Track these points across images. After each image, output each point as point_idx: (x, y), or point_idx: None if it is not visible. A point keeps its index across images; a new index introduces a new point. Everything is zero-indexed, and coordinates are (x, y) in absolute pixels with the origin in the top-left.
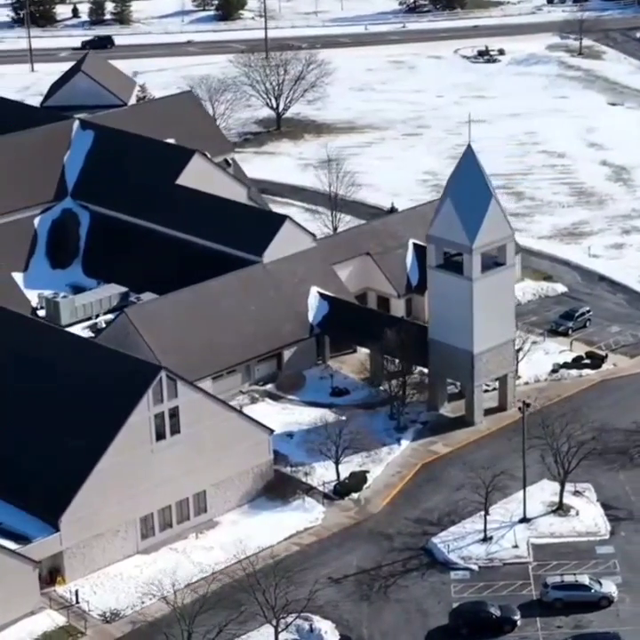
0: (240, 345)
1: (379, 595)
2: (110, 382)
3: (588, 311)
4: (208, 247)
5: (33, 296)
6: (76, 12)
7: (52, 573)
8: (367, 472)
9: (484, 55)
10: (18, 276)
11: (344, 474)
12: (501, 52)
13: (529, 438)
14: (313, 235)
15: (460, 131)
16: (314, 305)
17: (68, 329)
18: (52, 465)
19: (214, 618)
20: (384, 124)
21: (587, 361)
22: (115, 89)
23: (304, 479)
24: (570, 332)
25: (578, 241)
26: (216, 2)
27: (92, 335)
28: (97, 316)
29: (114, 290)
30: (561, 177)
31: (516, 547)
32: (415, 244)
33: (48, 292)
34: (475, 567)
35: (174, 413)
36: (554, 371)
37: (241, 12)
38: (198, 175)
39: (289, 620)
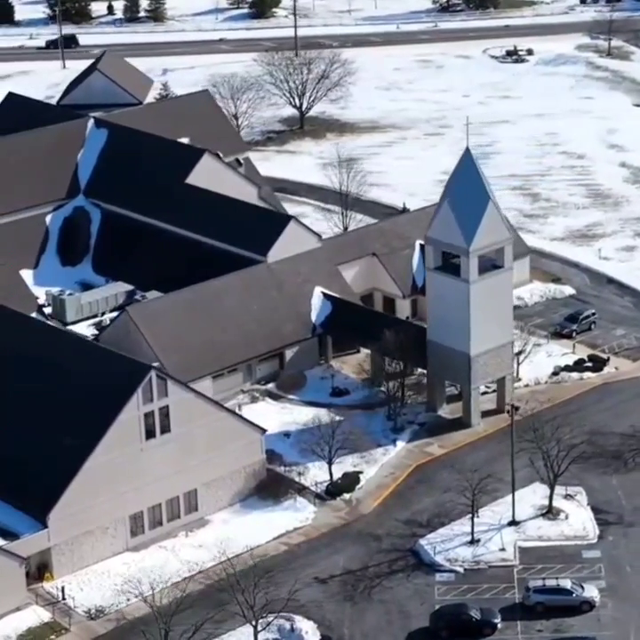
0: (241, 344)
1: (363, 595)
2: (101, 381)
3: (594, 314)
4: (214, 246)
5: (42, 293)
6: (111, 10)
7: (40, 569)
8: (360, 473)
9: (513, 55)
10: (28, 273)
11: (338, 474)
12: (530, 52)
13: (519, 441)
14: (318, 235)
15: (481, 131)
16: (317, 305)
17: (73, 326)
18: (42, 462)
19: (195, 617)
20: (407, 123)
21: (588, 364)
22: (130, 88)
23: (297, 479)
24: (574, 334)
25: (590, 243)
26: (250, 0)
27: (96, 333)
28: (103, 313)
29: (120, 288)
30: (578, 178)
31: (502, 549)
32: (422, 245)
33: (55, 290)
34: (460, 569)
35: (165, 412)
36: (554, 373)
37: (274, 10)
38: (208, 174)
39: (269, 619)
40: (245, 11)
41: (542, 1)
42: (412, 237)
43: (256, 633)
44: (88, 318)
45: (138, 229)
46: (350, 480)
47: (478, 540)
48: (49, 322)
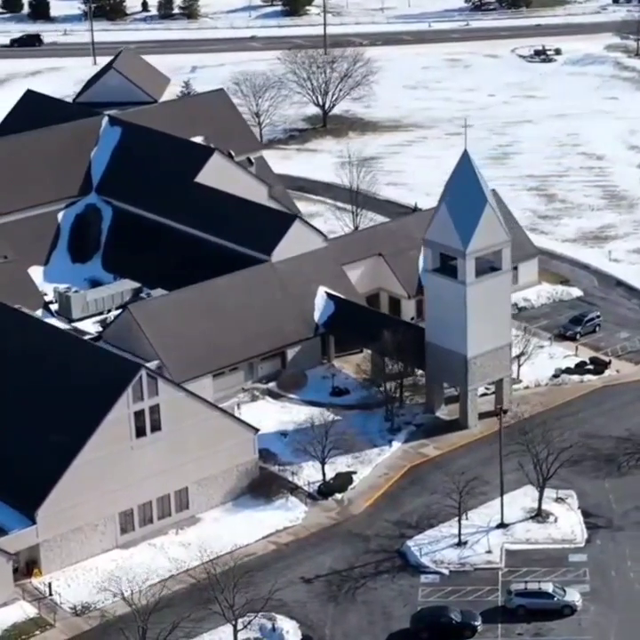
0: (242, 343)
1: (347, 596)
2: (92, 379)
3: (598, 316)
4: (220, 245)
5: (51, 290)
6: (145, 6)
7: (28, 565)
8: (354, 473)
9: (541, 55)
10: (38, 270)
11: (332, 474)
12: (558, 52)
13: (511, 444)
14: (324, 235)
15: (504, 131)
16: (320, 305)
17: (79, 323)
18: (32, 459)
19: (177, 616)
20: (429, 122)
21: (589, 366)
22: (146, 86)
23: (291, 478)
24: (578, 336)
25: (601, 245)
26: None
27: (101, 330)
28: (108, 310)
29: (127, 285)
30: (596, 179)
31: (489, 552)
32: None
33: (62, 287)
34: (445, 571)
35: (155, 411)
36: (555, 375)
37: (308, 7)
38: (218, 173)
39: (249, 619)
40: (279, 8)
41: (575, 0)
42: (419, 238)
43: (235, 632)
44: (93, 315)
45: (147, 227)
46: (343, 480)
47: (465, 542)
48: (54, 318)
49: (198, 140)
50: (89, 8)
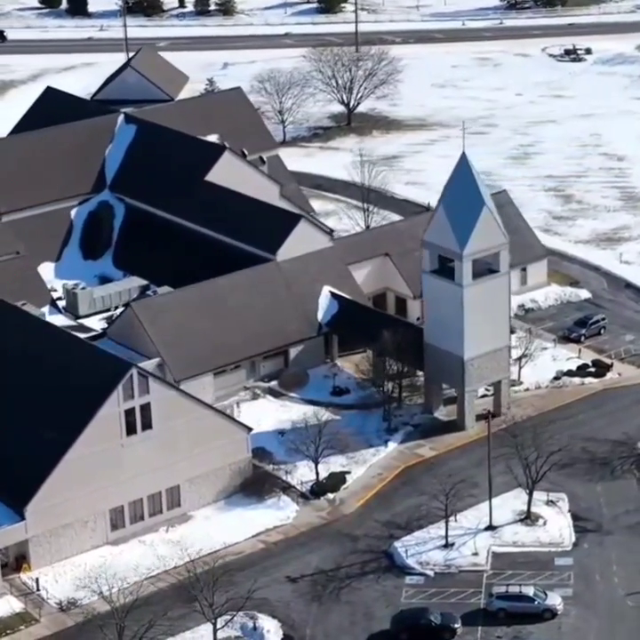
0: (244, 342)
1: (330, 596)
2: (83, 376)
3: (603, 319)
4: (227, 243)
5: (61, 286)
6: (182, 2)
7: (18, 560)
8: (348, 473)
9: (571, 54)
10: (49, 266)
11: (326, 474)
12: (588, 51)
13: (501, 446)
14: (330, 235)
15: (526, 131)
16: (324, 304)
17: (85, 320)
18: (22, 455)
19: (159, 613)
20: (453, 121)
21: (591, 369)
22: (163, 84)
23: (284, 477)
24: (582, 339)
25: (614, 246)
26: None
27: (106, 326)
28: (116, 307)
29: (134, 282)
30: (614, 180)
31: (475, 554)
32: None
33: (70, 283)
34: (431, 573)
35: (146, 410)
36: (556, 378)
37: (343, 5)
38: (228, 172)
39: (232, 618)
40: (314, 5)
41: None
42: None
43: (215, 631)
44: (100, 312)
45: (157, 225)
46: (336, 480)
47: (452, 544)
48: (61, 315)
49: (213, 138)
50: (124, 4)
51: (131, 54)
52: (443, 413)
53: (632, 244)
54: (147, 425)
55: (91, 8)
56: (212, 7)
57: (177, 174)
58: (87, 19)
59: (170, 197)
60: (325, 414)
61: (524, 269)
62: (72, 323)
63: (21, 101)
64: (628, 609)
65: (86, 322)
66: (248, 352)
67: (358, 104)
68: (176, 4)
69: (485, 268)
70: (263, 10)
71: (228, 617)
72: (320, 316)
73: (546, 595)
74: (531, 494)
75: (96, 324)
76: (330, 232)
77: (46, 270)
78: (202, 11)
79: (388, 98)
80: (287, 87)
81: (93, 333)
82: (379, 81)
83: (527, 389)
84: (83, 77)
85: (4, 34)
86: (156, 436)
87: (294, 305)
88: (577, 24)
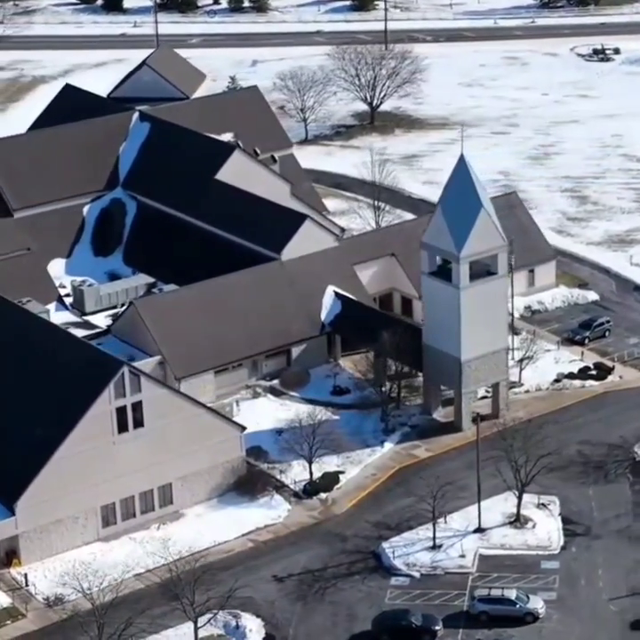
0: (246, 340)
1: (315, 596)
2: (76, 374)
3: (608, 321)
4: (234, 242)
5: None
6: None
7: (8, 555)
8: (342, 472)
9: (599, 54)
10: (60, 262)
11: (320, 473)
12: (616, 51)
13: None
14: (336, 234)
15: (548, 131)
16: (328, 304)
17: (91, 317)
18: (13, 451)
19: (144, 610)
20: (476, 121)
21: (593, 372)
22: (179, 82)
23: (278, 476)
24: (586, 341)
25: (625, 248)
26: None
27: (110, 323)
28: (122, 305)
29: (141, 280)
30: (631, 182)
31: (462, 556)
32: None
33: (78, 280)
34: (416, 574)
35: (138, 408)
36: (557, 380)
37: (376, 2)
38: (239, 171)
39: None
40: (348, 3)
41: None
42: None
43: (196, 629)
44: (107, 309)
45: (167, 223)
46: (329, 480)
47: (440, 546)
48: (68, 311)
49: (228, 136)
50: (155, 1)
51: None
52: (441, 414)
53: None
54: (138, 423)
55: (126, 4)
56: (246, 4)
57: (188, 172)
58: (122, 15)
59: (180, 195)
60: (321, 414)
61: (531, 271)
62: (77, 319)
63: (50, 97)
64: (611, 614)
65: (92, 319)
66: (250, 351)
67: (381, 103)
68: (210, 1)
69: (485, 270)
70: (297, 7)
71: (210, 615)
72: (323, 315)
73: (528, 598)
74: (520, 497)
75: (102, 320)
76: (341, 231)
77: (57, 267)
78: (236, 7)
79: (411, 97)
80: (309, 85)
81: (98, 330)
82: (401, 80)
83: (527, 391)
84: (112, 74)
85: None
86: (148, 434)
87: (298, 304)
88: (608, 23)
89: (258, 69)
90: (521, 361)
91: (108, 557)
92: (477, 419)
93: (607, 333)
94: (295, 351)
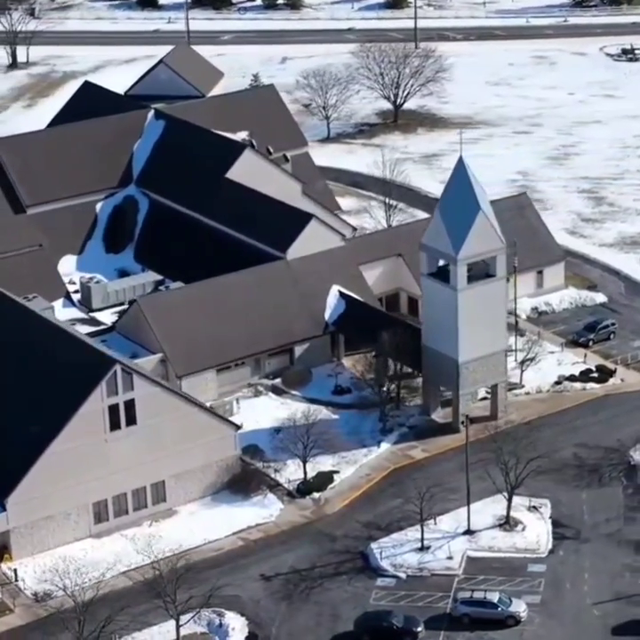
0: (248, 339)
1: (301, 596)
2: (69, 371)
3: (613, 324)
4: (241, 241)
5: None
6: None
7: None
8: (336, 472)
9: (628, 53)
10: (71, 259)
11: (315, 473)
12: None
13: (484, 451)
14: (342, 234)
15: (571, 131)
16: (332, 303)
17: (98, 313)
18: (5, 447)
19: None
20: (499, 120)
21: (594, 374)
22: (195, 80)
23: (273, 475)
24: (590, 343)
25: (637, 250)
26: None
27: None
28: (129, 302)
29: (149, 277)
30: None
31: (449, 558)
32: None
33: (86, 276)
34: (403, 575)
35: (130, 405)
36: (557, 382)
37: (410, 0)
38: (249, 170)
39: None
40: (382, 0)
41: None
42: None
43: (178, 627)
44: (114, 306)
45: (178, 220)
46: (323, 479)
47: (428, 548)
48: (75, 308)
49: (243, 135)
50: None
51: (194, 47)
52: (440, 415)
53: None
54: (131, 421)
55: (161, 0)
56: (280, 1)
57: (199, 170)
58: (156, 11)
59: (191, 193)
60: (316, 413)
61: (540, 272)
62: (84, 316)
63: None
64: (594, 618)
65: (99, 315)
66: (252, 349)
67: (404, 101)
68: None
69: (484, 272)
70: (331, 4)
71: (192, 614)
72: (327, 315)
73: (510, 601)
74: (510, 500)
75: (109, 317)
76: (353, 230)
77: (68, 263)
78: (270, 4)
79: (436, 95)
80: (331, 84)
81: (103, 327)
82: (425, 79)
83: (528, 393)
84: (141, 70)
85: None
86: (141, 431)
87: (302, 303)
88: None
89: (287, 66)
90: (522, 362)
91: (97, 554)
92: (467, 421)
93: (612, 336)
94: (298, 350)
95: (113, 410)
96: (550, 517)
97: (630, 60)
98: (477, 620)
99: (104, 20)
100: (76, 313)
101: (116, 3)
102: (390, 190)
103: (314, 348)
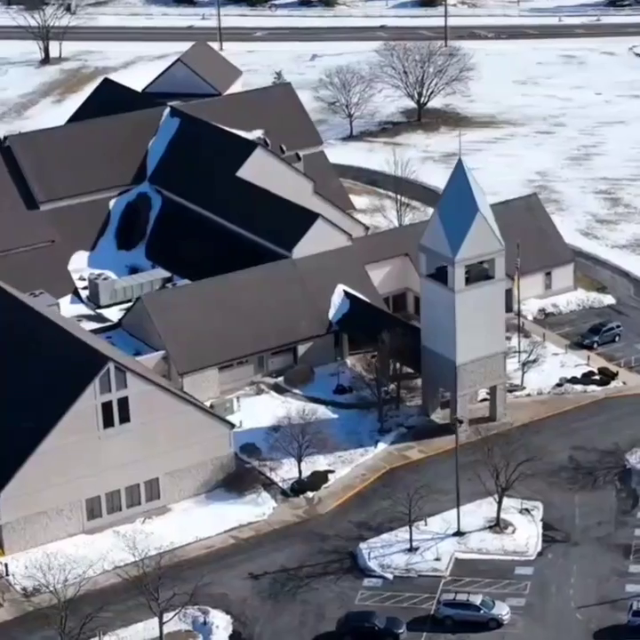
0: (252, 337)
1: (287, 595)
2: (63, 368)
3: (618, 326)
4: (248, 239)
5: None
6: None
7: None
8: (331, 472)
9: None
10: (83, 255)
11: (310, 472)
12: None
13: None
14: (348, 234)
15: (593, 131)
16: (337, 303)
17: (105, 310)
18: None
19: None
20: (523, 119)
21: (596, 377)
22: (212, 79)
23: (268, 474)
24: (595, 345)
25: None
26: None
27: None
28: (137, 299)
29: (157, 274)
30: None
31: (437, 560)
32: None
33: (95, 273)
34: (390, 576)
35: (124, 403)
36: (558, 385)
37: None
38: (260, 168)
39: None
40: None
41: None
42: None
43: (161, 624)
44: (121, 303)
45: (189, 218)
46: (318, 478)
47: (417, 549)
48: (82, 304)
49: (258, 133)
50: None
51: (225, 44)
52: (439, 416)
53: None
54: (124, 418)
55: None
56: None
57: (210, 168)
58: (191, 7)
59: (202, 191)
60: (313, 413)
61: (548, 274)
62: (90, 312)
63: None
64: (576, 622)
65: (106, 312)
66: (255, 348)
67: (428, 100)
68: None
69: (483, 274)
70: (364, 1)
71: (175, 611)
72: (331, 314)
73: (493, 604)
74: (500, 502)
75: (116, 314)
76: (365, 229)
77: (80, 259)
78: (304, 1)
79: (461, 94)
80: (354, 82)
81: (108, 323)
82: (448, 78)
83: (528, 395)
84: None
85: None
86: (134, 429)
87: (306, 302)
88: None
89: (316, 64)
90: (524, 364)
91: (88, 550)
92: (456, 423)
93: (617, 338)
94: (301, 349)
95: (106, 407)
96: (541, 520)
97: None
98: (460, 622)
99: (139, 16)
100: (83, 309)
101: None
102: (401, 189)
103: (317, 347)
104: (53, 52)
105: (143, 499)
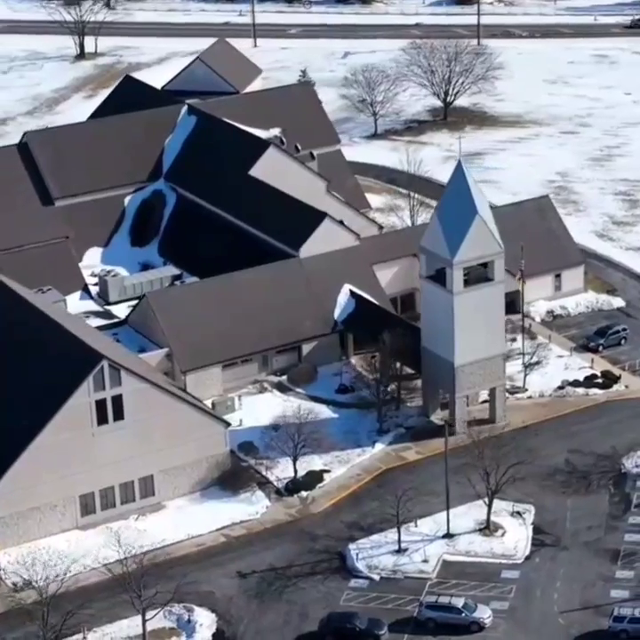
0: (256, 336)
1: (273, 594)
2: (58, 365)
3: (625, 329)
4: (257, 238)
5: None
6: None
7: None
8: (327, 471)
9: None
10: (97, 251)
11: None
12: None
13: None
14: (356, 234)
15: (617, 132)
16: (342, 302)
17: (114, 307)
18: None
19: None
20: (548, 119)
21: (599, 380)
22: (231, 77)
23: (264, 472)
24: (600, 348)
25: None
26: None
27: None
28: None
29: (167, 272)
30: None
31: (425, 561)
32: None
33: (105, 269)
34: (376, 577)
35: (118, 401)
36: (560, 387)
37: None
38: (273, 167)
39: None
40: None
41: None
42: None
43: (144, 622)
44: (130, 299)
45: (202, 216)
46: (313, 478)
47: (405, 550)
48: (91, 301)
49: (275, 132)
50: None
51: (259, 40)
52: (439, 417)
53: None
54: (118, 416)
55: None
56: None
57: (224, 167)
58: (229, 3)
59: (216, 189)
60: (311, 412)
61: (557, 275)
62: (99, 309)
63: None
64: (559, 627)
65: (115, 309)
66: (258, 346)
67: (454, 99)
68: None
69: (483, 276)
70: None
71: (159, 609)
72: (337, 314)
73: (475, 607)
74: (490, 505)
75: (124, 311)
76: (379, 228)
77: (93, 256)
78: None
79: (489, 93)
80: (379, 81)
81: (115, 320)
82: (474, 77)
83: (530, 397)
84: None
85: None
86: (128, 426)
87: (312, 302)
88: None
89: (348, 61)
90: (526, 366)
91: (80, 546)
92: (446, 425)
93: (623, 341)
94: (306, 348)
95: (100, 405)
96: (532, 523)
97: None
98: (442, 624)
99: (177, 12)
100: (92, 306)
101: None
102: (414, 188)
103: (322, 346)
104: (89, 48)
105: (137, 496)
